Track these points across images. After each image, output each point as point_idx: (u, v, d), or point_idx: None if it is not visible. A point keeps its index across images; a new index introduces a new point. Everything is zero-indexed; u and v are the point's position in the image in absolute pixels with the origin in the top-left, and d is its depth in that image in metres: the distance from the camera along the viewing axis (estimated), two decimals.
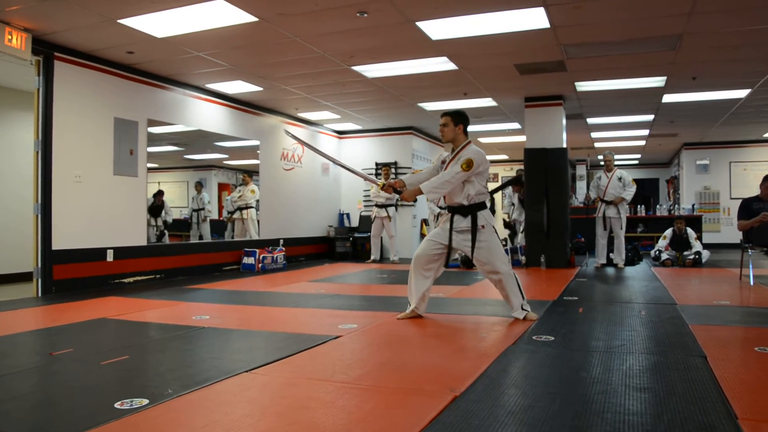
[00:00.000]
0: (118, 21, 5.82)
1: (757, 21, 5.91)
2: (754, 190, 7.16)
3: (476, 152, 4.54)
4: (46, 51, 6.42)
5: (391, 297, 6.12)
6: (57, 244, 6.52)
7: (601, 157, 9.68)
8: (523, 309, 4.58)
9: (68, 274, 6.66)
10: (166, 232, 9.19)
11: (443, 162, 4.74)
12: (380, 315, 4.88)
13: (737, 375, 2.91)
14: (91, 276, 6.93)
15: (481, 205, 4.59)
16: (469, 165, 4.45)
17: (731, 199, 14.56)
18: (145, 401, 2.56)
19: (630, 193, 9.13)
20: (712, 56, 7.15)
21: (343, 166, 5.37)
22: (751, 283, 6.68)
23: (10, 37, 5.82)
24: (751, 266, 6.79)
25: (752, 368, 3.09)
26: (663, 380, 2.88)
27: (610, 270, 8.82)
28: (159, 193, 9.14)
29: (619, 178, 9.17)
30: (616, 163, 9.58)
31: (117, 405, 2.51)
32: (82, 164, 6.83)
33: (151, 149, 7.91)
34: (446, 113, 4.69)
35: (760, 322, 4.51)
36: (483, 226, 4.53)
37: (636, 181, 9.52)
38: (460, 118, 4.69)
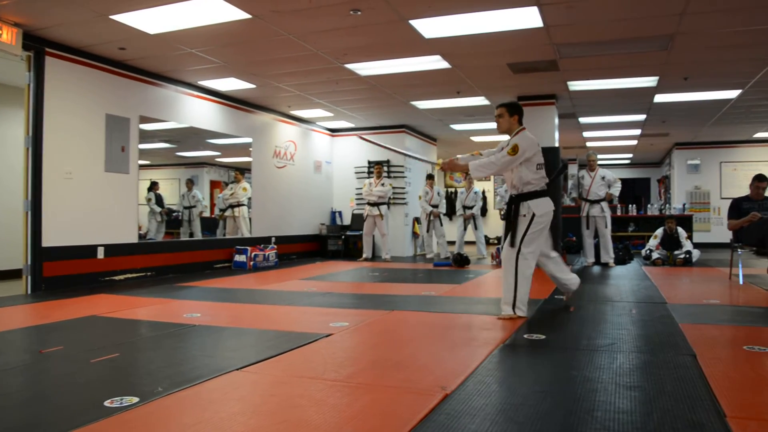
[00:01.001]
0: (110, 17, 5.80)
1: (749, 22, 5.94)
2: (744, 190, 7.21)
3: (524, 137, 4.59)
4: (37, 46, 6.39)
5: (383, 295, 6.12)
6: (47, 241, 6.49)
7: (585, 157, 9.72)
8: (514, 308, 4.51)
9: (58, 271, 6.63)
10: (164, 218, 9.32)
11: (501, 149, 4.76)
12: (372, 313, 4.87)
13: (726, 373, 2.93)
14: (81, 273, 6.90)
15: (532, 195, 4.59)
16: (514, 149, 4.51)
17: (721, 198, 14.64)
18: (135, 399, 2.55)
19: (617, 188, 9.23)
20: (703, 57, 7.19)
21: (412, 156, 5.38)
22: (741, 282, 6.72)
23: (0, 32, 5.78)
24: (740, 265, 6.84)
25: (741, 366, 3.11)
26: (653, 379, 2.89)
27: (601, 269, 8.85)
28: (155, 184, 9.22)
29: (603, 177, 9.24)
30: (607, 162, 9.62)
31: (107, 403, 2.50)
32: (73, 161, 6.80)
33: (142, 146, 7.88)
34: (501, 105, 4.78)
35: (750, 320, 4.54)
36: (524, 215, 4.56)
37: (627, 180, 9.57)
38: (514, 108, 4.75)
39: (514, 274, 4.53)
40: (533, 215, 4.54)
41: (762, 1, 5.41)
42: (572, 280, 5.07)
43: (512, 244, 4.58)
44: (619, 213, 13.17)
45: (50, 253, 6.53)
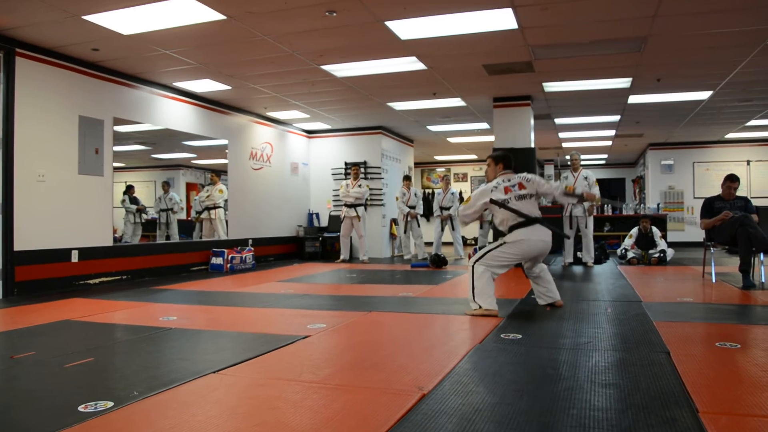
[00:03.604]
0: (83, 17, 5.72)
1: (719, 25, 6.04)
2: (716, 190, 7.31)
3: (478, 191, 5.08)
4: (7, 47, 6.28)
5: (360, 297, 6.12)
6: (19, 245, 6.38)
7: (568, 157, 9.80)
8: (474, 301, 4.77)
9: (31, 275, 6.52)
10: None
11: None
12: (350, 314, 4.87)
13: (699, 370, 2.98)
14: (55, 277, 6.80)
15: (511, 227, 4.89)
16: (466, 200, 5.12)
17: (695, 198, 14.88)
18: (110, 404, 2.52)
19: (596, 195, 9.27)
20: (675, 58, 7.29)
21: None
22: (713, 280, 6.83)
23: None
24: (713, 264, 6.95)
25: (713, 363, 3.16)
26: (628, 376, 2.93)
27: (578, 268, 8.94)
28: (131, 188, 9.13)
29: (585, 178, 9.31)
30: (583, 163, 9.70)
31: (81, 408, 2.47)
32: (46, 163, 6.70)
33: (117, 148, 7.79)
34: (489, 156, 5.31)
35: (722, 318, 4.61)
36: (504, 242, 4.90)
37: (603, 180, 9.65)
38: (498, 159, 5.23)
39: (471, 274, 4.83)
40: (511, 242, 4.87)
41: (731, 4, 5.52)
42: (555, 294, 5.24)
43: (479, 253, 4.96)
44: (595, 213, 13.28)
45: (23, 257, 6.43)
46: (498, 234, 5.14)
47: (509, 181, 4.99)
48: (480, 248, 9.94)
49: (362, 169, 12.07)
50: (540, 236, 4.87)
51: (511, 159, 5.24)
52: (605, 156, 18.01)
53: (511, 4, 5.51)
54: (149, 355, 3.59)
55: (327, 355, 3.54)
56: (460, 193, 16.03)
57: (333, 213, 12.32)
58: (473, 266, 4.82)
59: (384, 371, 3.07)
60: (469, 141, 14.57)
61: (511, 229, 4.88)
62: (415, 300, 5.81)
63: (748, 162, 14.82)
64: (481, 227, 11.11)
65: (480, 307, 4.70)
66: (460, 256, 11.41)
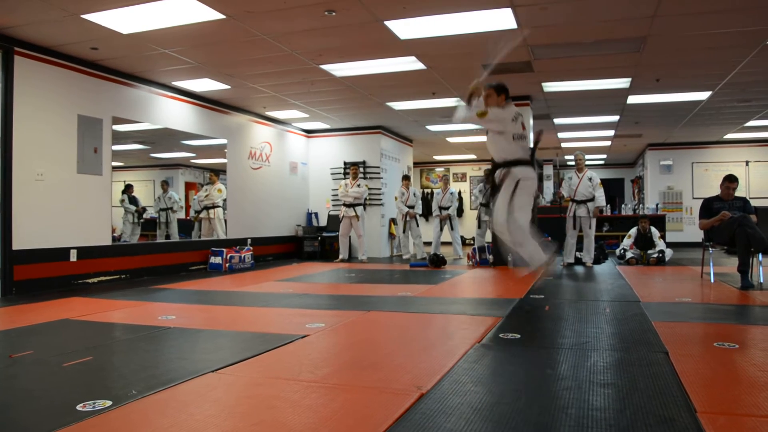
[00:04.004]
0: (82, 16, 5.72)
1: (719, 25, 6.05)
2: (715, 190, 7.32)
3: (496, 116, 5.23)
4: (6, 46, 6.27)
5: (359, 296, 6.12)
6: (18, 244, 6.38)
7: (568, 156, 9.79)
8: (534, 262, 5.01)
9: (30, 274, 6.52)
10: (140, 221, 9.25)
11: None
12: (348, 314, 4.87)
13: (697, 370, 2.98)
14: (53, 276, 6.79)
15: (514, 162, 5.19)
16: (483, 113, 5.14)
17: (693, 198, 14.90)
18: (109, 403, 2.52)
19: (600, 196, 9.23)
20: (675, 59, 7.30)
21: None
22: (712, 280, 6.83)
23: None
24: (711, 264, 6.95)
25: (711, 363, 3.16)
26: (626, 376, 2.93)
27: (577, 268, 8.94)
28: (130, 187, 9.14)
29: (590, 179, 9.29)
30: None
31: (79, 407, 2.47)
32: (44, 162, 6.69)
33: (116, 147, 7.79)
34: (490, 86, 5.31)
35: (720, 318, 4.62)
36: (520, 180, 5.09)
37: (602, 180, 9.63)
38: (500, 89, 5.34)
39: (520, 239, 5.02)
40: (518, 180, 5.04)
41: (731, 4, 5.52)
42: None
43: (507, 212, 5.06)
44: (600, 214, 13.26)
45: (21, 257, 6.42)
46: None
47: (521, 117, 5.18)
48: (479, 248, 9.95)
49: (361, 169, 12.07)
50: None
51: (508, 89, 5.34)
52: (604, 156, 18.02)
53: (510, 3, 5.52)
54: (148, 354, 3.59)
55: (325, 354, 3.54)
56: (459, 193, 16.04)
57: (332, 212, 12.32)
58: (511, 225, 4.94)
59: (382, 371, 3.07)
60: (468, 141, 14.56)
61: (512, 163, 5.11)
62: (413, 300, 5.81)
63: (747, 162, 14.83)
64: (479, 227, 11.10)
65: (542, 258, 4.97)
66: (459, 256, 11.41)
